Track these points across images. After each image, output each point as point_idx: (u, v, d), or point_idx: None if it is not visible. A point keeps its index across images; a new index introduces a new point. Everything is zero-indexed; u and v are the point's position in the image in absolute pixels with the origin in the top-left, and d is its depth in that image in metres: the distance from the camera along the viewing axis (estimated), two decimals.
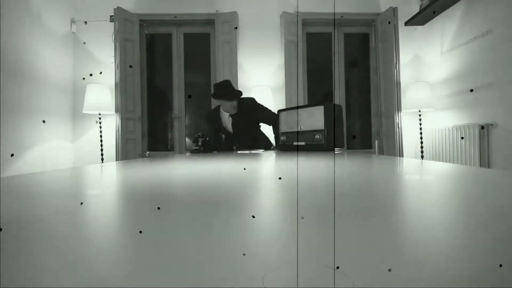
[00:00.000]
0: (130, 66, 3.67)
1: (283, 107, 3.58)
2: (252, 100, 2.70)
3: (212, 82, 4.11)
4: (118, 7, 3.75)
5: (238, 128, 2.62)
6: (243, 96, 2.64)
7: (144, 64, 4.14)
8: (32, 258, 0.23)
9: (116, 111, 3.72)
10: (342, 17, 4.04)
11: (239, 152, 2.51)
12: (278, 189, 0.60)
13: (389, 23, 3.70)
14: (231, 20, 3.89)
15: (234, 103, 2.52)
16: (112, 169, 1.11)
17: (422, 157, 3.72)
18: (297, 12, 3.88)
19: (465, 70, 3.27)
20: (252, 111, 2.60)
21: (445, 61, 3.59)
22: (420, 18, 3.72)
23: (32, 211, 0.40)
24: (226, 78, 2.69)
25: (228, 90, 2.49)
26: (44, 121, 3.17)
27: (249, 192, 0.56)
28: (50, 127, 3.50)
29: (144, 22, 4.03)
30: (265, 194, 0.56)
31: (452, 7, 3.41)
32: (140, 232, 0.23)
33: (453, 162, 3.29)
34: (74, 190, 0.65)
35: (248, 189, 0.59)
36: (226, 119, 2.63)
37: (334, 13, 4.07)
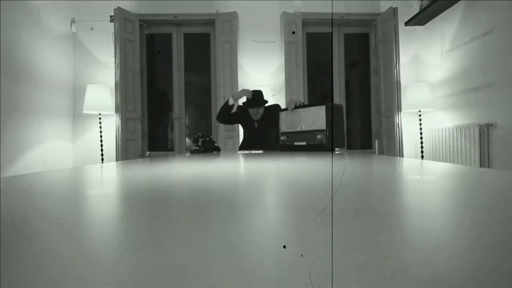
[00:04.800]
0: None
1: (283, 107, 3.58)
2: (276, 106, 2.91)
3: (212, 82, 4.13)
4: (118, 7, 3.75)
5: (261, 130, 2.84)
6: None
7: (144, 64, 4.14)
8: (32, 259, 0.23)
9: (116, 111, 3.72)
10: (342, 17, 4.04)
11: (239, 152, 2.52)
12: (277, 190, 0.59)
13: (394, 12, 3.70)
14: (231, 20, 3.89)
15: (261, 110, 2.77)
16: (112, 170, 1.11)
17: (422, 157, 3.72)
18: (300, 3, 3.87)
19: (465, 70, 3.27)
20: (275, 116, 2.74)
21: (445, 61, 3.59)
22: (420, 18, 3.72)
23: (32, 211, 0.40)
24: (257, 89, 2.90)
25: (260, 99, 2.75)
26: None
27: (249, 192, 0.56)
28: (50, 127, 3.50)
29: (144, 22, 4.04)
30: (264, 194, 0.56)
31: (452, 7, 3.41)
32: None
33: (453, 162, 3.29)
34: (74, 190, 0.65)
35: (248, 189, 0.59)
36: (252, 121, 2.86)
37: (332, 13, 4.07)
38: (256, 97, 2.75)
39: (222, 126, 3.86)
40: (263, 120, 2.83)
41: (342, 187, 0.58)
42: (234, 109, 2.74)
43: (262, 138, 2.84)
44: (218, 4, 3.99)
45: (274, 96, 3.84)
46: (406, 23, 3.85)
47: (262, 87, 3.78)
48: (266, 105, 2.86)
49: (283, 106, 3.72)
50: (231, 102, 2.72)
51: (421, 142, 3.73)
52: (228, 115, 2.80)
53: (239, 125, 3.24)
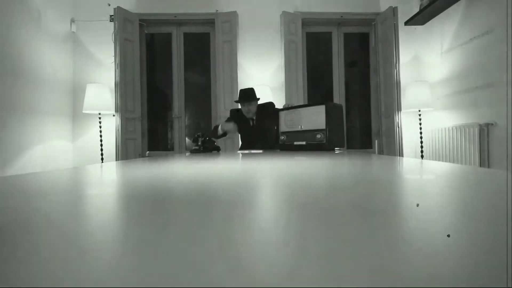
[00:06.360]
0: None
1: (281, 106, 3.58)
2: (271, 104, 2.97)
3: (212, 82, 4.13)
4: (118, 7, 3.75)
5: (257, 129, 2.87)
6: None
7: (144, 64, 4.14)
8: (32, 259, 0.23)
9: (116, 111, 3.72)
10: (342, 17, 4.04)
11: (239, 152, 2.52)
12: (277, 189, 0.60)
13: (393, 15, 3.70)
14: (231, 20, 3.89)
15: (253, 107, 2.82)
16: (112, 169, 1.11)
17: (422, 157, 3.73)
18: None
19: (465, 69, 3.27)
20: (270, 113, 2.82)
21: (445, 61, 3.59)
22: (420, 18, 3.72)
23: (32, 211, 0.40)
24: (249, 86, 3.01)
25: (251, 95, 2.81)
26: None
27: (249, 191, 0.56)
28: (50, 127, 3.50)
29: (144, 22, 4.04)
30: (264, 193, 0.56)
31: (452, 7, 3.41)
32: None
33: (453, 162, 3.29)
34: (74, 190, 0.65)
35: (248, 189, 0.59)
36: (247, 121, 2.91)
37: (332, 13, 4.07)
38: (246, 93, 2.79)
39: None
40: (258, 120, 2.86)
41: (341, 186, 0.58)
42: (221, 131, 2.78)
43: (259, 137, 2.87)
44: (218, 4, 3.99)
45: (273, 94, 3.84)
46: (406, 23, 3.85)
47: (262, 87, 3.79)
48: (260, 102, 2.90)
49: (280, 105, 3.73)
50: (220, 132, 2.77)
51: (421, 142, 3.73)
52: (218, 137, 2.85)
53: None
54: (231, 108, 3.23)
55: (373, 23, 4.08)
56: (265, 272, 0.19)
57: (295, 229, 0.30)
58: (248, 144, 2.93)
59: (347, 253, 0.22)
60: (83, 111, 3.66)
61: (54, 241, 0.27)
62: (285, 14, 3.87)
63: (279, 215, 0.37)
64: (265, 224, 0.33)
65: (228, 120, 2.96)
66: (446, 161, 3.36)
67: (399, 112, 3.72)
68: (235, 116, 2.95)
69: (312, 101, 4.13)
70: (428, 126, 3.79)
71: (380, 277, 0.18)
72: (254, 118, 2.87)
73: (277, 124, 2.49)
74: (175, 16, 4.00)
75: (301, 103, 3.84)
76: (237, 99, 2.95)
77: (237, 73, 3.88)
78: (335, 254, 0.22)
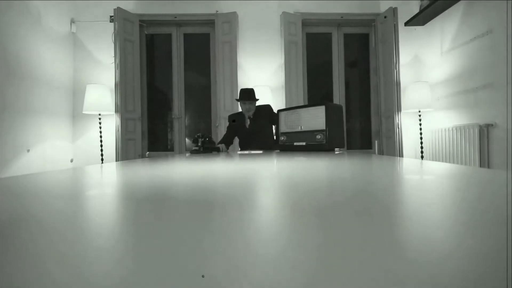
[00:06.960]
0: None
1: (283, 107, 3.59)
2: (268, 106, 3.09)
3: (212, 82, 4.14)
4: (118, 7, 3.75)
5: (254, 128, 2.95)
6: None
7: (144, 64, 4.14)
8: (31, 259, 0.22)
9: (116, 111, 3.72)
10: (342, 17, 4.04)
11: (239, 152, 2.53)
12: (278, 190, 0.59)
13: (385, 17, 3.75)
14: (231, 20, 3.89)
15: (253, 106, 2.93)
16: (112, 169, 1.11)
17: (422, 157, 3.72)
18: None
19: (465, 70, 3.27)
20: (267, 115, 2.96)
21: (445, 61, 3.59)
22: (420, 18, 3.72)
23: (32, 211, 0.40)
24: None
25: (251, 95, 2.93)
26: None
27: (249, 192, 0.56)
28: (50, 127, 3.50)
29: (144, 22, 4.04)
30: (265, 194, 0.56)
31: (452, 7, 3.41)
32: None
33: (453, 162, 3.29)
34: (74, 190, 0.65)
35: (248, 190, 0.59)
36: (243, 124, 3.01)
37: (332, 13, 4.07)
38: (246, 92, 2.90)
39: (221, 127, 3.86)
40: (253, 121, 2.94)
41: (341, 186, 0.58)
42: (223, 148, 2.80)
43: (254, 138, 2.94)
44: (218, 4, 3.99)
45: (273, 95, 3.84)
46: (406, 23, 3.85)
47: (262, 87, 3.79)
48: (257, 104, 2.99)
49: (282, 106, 3.73)
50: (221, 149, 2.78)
51: (421, 142, 3.73)
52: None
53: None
54: (230, 112, 3.36)
55: (373, 24, 4.08)
56: (264, 274, 0.19)
57: (293, 232, 0.30)
58: (245, 145, 3.01)
59: (347, 254, 0.22)
60: (83, 112, 3.66)
61: (57, 244, 0.27)
62: (285, 14, 3.87)
63: (275, 218, 0.37)
64: (262, 226, 0.33)
65: (228, 126, 3.11)
66: (446, 162, 3.36)
67: (399, 112, 3.72)
68: (233, 119, 3.07)
69: (312, 102, 4.13)
70: (428, 126, 3.79)
71: (379, 279, 0.18)
72: (252, 116, 2.95)
73: (274, 125, 2.52)
74: (175, 17, 4.00)
75: (301, 104, 3.84)
76: (237, 98, 3.02)
77: (237, 73, 3.88)
78: (333, 257, 0.22)
